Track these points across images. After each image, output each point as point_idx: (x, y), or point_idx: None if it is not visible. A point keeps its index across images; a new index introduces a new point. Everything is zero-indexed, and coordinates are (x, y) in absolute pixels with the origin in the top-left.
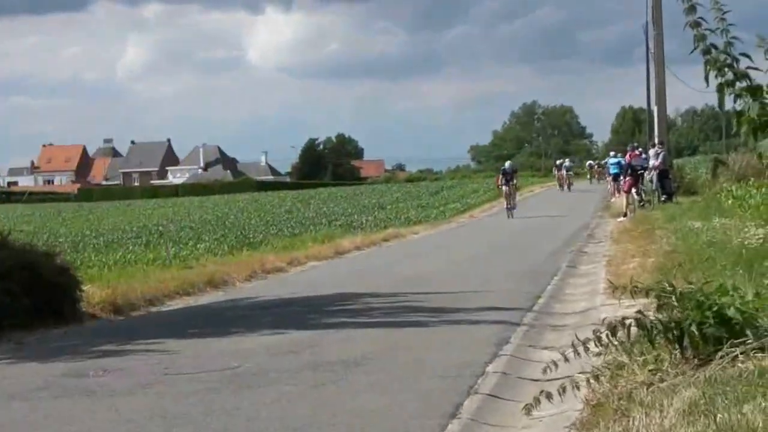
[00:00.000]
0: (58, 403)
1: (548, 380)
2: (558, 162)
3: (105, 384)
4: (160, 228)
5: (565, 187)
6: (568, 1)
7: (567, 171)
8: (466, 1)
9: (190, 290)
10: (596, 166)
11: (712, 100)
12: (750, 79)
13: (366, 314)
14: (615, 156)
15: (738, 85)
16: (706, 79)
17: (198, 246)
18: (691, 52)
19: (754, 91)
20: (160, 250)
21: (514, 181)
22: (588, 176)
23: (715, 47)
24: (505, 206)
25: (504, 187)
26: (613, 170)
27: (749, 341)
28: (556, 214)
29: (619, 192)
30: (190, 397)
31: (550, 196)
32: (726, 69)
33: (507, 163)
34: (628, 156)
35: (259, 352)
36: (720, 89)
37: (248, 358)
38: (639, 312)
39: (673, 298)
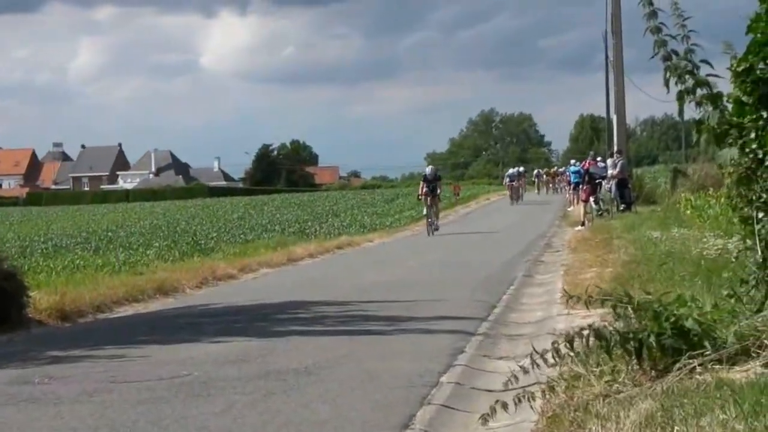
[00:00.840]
0: (2, 410)
1: (504, 390)
2: (509, 172)
3: (50, 391)
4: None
5: (515, 200)
6: (527, 8)
7: (511, 180)
8: (425, 6)
9: (139, 297)
10: (545, 175)
11: (672, 109)
12: (710, 87)
13: (318, 323)
14: (575, 164)
15: (698, 92)
16: (666, 85)
17: (148, 252)
18: (651, 57)
19: (715, 99)
20: (109, 256)
21: (438, 191)
22: (536, 187)
23: (676, 54)
24: (426, 221)
25: (425, 197)
26: (573, 179)
27: (707, 353)
28: (501, 229)
29: (577, 201)
30: (138, 405)
31: (502, 206)
32: (686, 76)
33: (428, 168)
34: (586, 163)
35: (208, 360)
36: (680, 97)
37: (198, 367)
38: (597, 322)
39: (631, 309)
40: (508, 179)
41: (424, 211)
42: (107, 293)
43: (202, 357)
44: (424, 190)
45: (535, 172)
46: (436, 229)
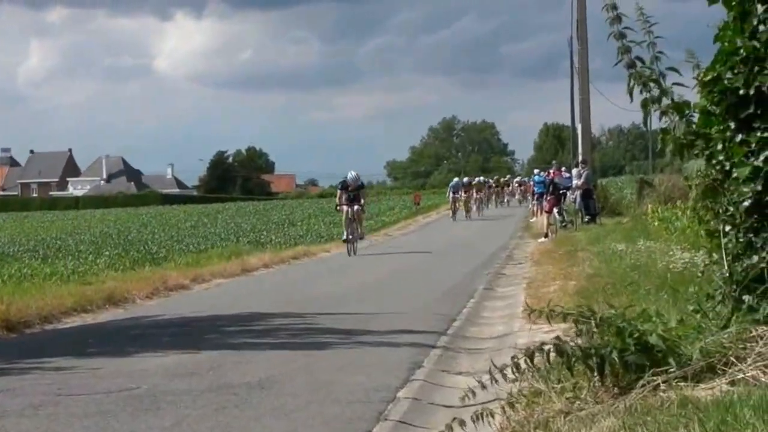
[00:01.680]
0: None
1: (462, 407)
2: (453, 183)
3: None
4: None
5: (465, 214)
6: (491, 13)
7: (455, 192)
8: (386, 10)
9: (88, 307)
10: (494, 185)
11: (639, 118)
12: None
13: (272, 335)
14: (539, 174)
15: (664, 101)
16: (630, 93)
17: (98, 261)
18: (615, 64)
19: (681, 108)
20: (57, 265)
21: (362, 201)
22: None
23: (641, 61)
24: (345, 235)
25: (345, 208)
26: (537, 189)
27: (672, 370)
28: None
29: (540, 212)
30: (85, 419)
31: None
32: (651, 84)
33: (350, 174)
34: (551, 174)
35: (158, 373)
36: (644, 105)
37: (147, 380)
38: (558, 337)
39: (594, 324)
40: (451, 191)
41: (344, 233)
42: (55, 303)
43: (152, 369)
44: (343, 199)
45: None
46: (355, 241)
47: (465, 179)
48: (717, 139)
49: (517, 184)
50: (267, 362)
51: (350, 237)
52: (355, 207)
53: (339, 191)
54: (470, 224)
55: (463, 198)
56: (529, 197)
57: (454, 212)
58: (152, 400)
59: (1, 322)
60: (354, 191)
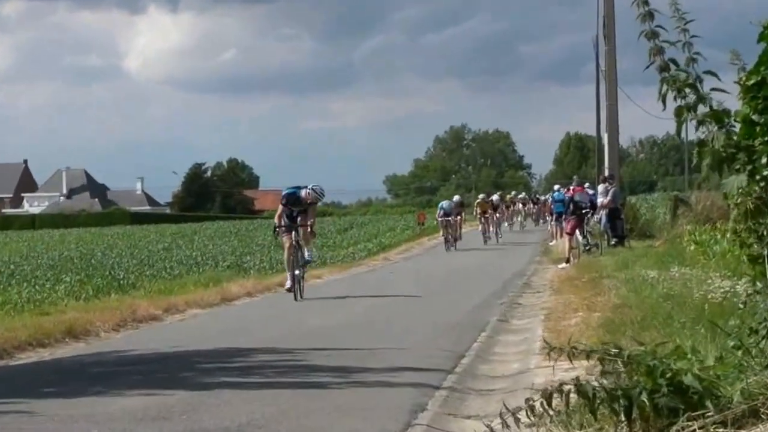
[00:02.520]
0: None
1: None
2: (444, 204)
3: None
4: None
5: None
6: (506, 10)
7: (446, 214)
8: (387, 6)
9: (45, 341)
10: (493, 204)
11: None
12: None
13: (256, 373)
14: (559, 191)
15: (701, 109)
16: (663, 100)
17: (56, 288)
18: (646, 68)
19: (720, 116)
20: (10, 293)
21: (310, 221)
22: (478, 220)
23: (675, 63)
24: (287, 274)
25: (284, 237)
26: (557, 208)
27: (709, 414)
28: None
29: (561, 234)
30: None
31: (474, 239)
32: (687, 89)
33: (308, 187)
34: (571, 190)
35: (124, 417)
36: (679, 113)
37: (111, 425)
38: (579, 377)
39: (620, 362)
40: (441, 212)
41: (285, 256)
42: (7, 336)
43: (117, 413)
44: (283, 215)
45: (480, 198)
46: (299, 277)
47: (455, 198)
48: (762, 151)
49: (521, 204)
50: (249, 405)
51: (291, 273)
52: (303, 228)
53: (280, 206)
54: (482, 248)
55: (453, 222)
56: (548, 217)
57: (447, 240)
58: None
59: None
60: (304, 206)
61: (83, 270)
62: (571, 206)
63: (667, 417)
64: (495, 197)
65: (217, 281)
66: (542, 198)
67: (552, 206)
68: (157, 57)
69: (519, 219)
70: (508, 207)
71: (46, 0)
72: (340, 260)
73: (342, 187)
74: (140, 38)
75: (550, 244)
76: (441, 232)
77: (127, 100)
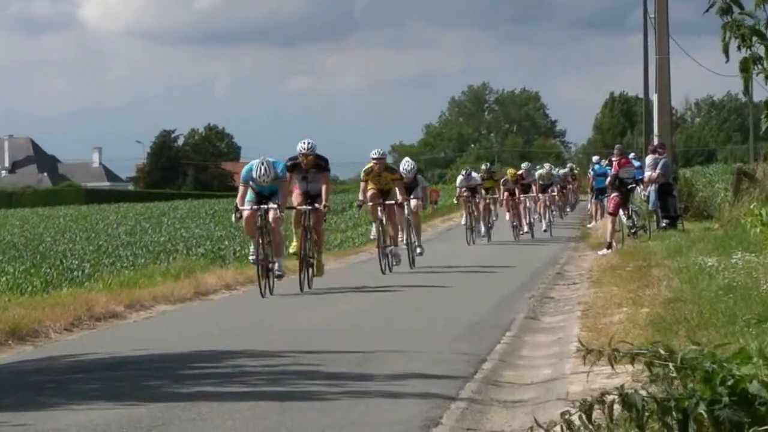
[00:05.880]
0: None
1: None
2: (463, 176)
3: None
4: None
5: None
6: None
7: (470, 188)
8: None
9: None
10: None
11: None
12: None
13: (237, 381)
14: (599, 163)
15: None
16: (725, 51)
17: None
18: (705, 11)
19: None
20: None
21: (276, 203)
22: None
23: (740, 5)
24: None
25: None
26: (597, 183)
27: None
28: None
29: (602, 214)
30: None
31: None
32: (754, 38)
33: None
34: (615, 165)
35: None
36: (745, 67)
37: None
38: (626, 385)
39: (673, 367)
40: (463, 187)
41: (251, 251)
42: None
43: (73, 429)
44: (246, 199)
45: (464, 174)
46: (278, 276)
47: (483, 168)
48: None
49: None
50: (229, 419)
51: (259, 257)
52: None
53: (241, 186)
54: (504, 230)
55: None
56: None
57: (471, 227)
58: None
59: None
60: (274, 182)
61: (29, 258)
62: (616, 182)
63: (729, 431)
64: (545, 169)
65: (190, 272)
66: (561, 172)
67: (592, 181)
68: (119, 4)
69: (538, 208)
70: (513, 191)
71: None
72: (337, 246)
73: (338, 159)
74: None
75: (589, 226)
76: (463, 217)
77: (84, 55)
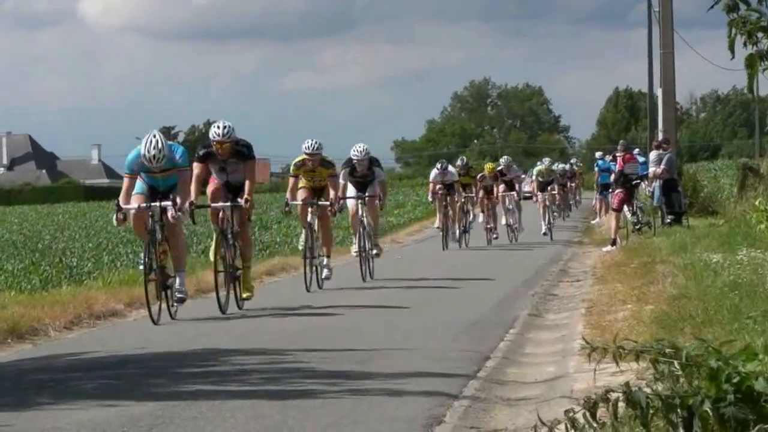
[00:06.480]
0: None
1: None
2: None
3: None
4: None
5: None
6: None
7: (445, 185)
8: None
9: None
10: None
11: (742, 81)
12: None
13: (238, 380)
14: (603, 159)
15: None
16: (731, 47)
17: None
18: (710, 8)
19: None
20: None
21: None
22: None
23: (746, 1)
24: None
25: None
26: (602, 179)
27: None
28: None
29: (606, 210)
30: None
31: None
32: (760, 34)
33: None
34: (620, 161)
35: None
36: (750, 63)
37: None
38: (630, 383)
39: (678, 365)
40: (438, 182)
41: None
42: None
43: (73, 429)
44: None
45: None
46: (179, 300)
47: (458, 163)
48: None
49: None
50: (230, 418)
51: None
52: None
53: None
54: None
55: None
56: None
57: (446, 230)
58: None
59: None
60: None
61: (28, 256)
62: (621, 178)
63: (735, 430)
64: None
65: (191, 269)
66: (561, 167)
67: (598, 177)
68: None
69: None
70: (489, 189)
71: None
72: (338, 243)
73: (339, 155)
74: None
75: (593, 222)
76: (437, 218)
77: (82, 51)
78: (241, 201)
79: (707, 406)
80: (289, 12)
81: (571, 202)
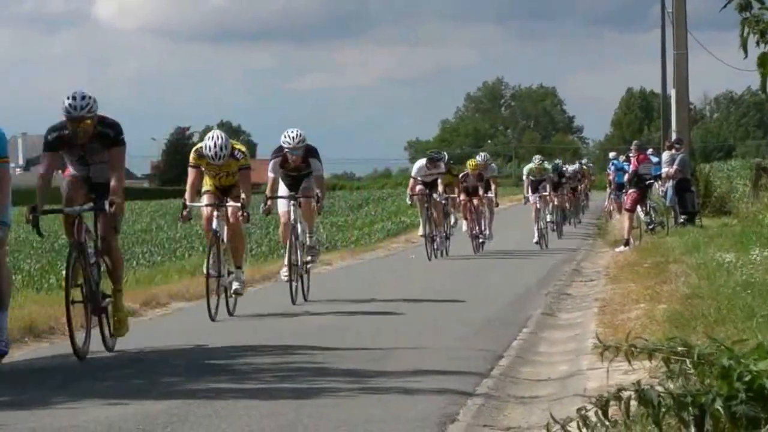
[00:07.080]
0: None
1: None
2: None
3: None
4: None
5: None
6: None
7: (425, 184)
8: None
9: None
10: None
11: (756, 81)
12: None
13: (252, 378)
14: (617, 159)
15: None
16: (744, 46)
17: (13, 277)
18: (723, 7)
19: None
20: None
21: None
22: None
23: (760, 1)
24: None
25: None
26: (618, 178)
27: None
28: None
29: (620, 210)
30: None
31: (513, 214)
32: None
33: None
34: (633, 161)
35: (95, 430)
36: (762, 62)
37: None
38: (642, 381)
39: (690, 363)
40: (418, 178)
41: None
42: None
43: (90, 426)
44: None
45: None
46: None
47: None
48: None
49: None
50: (245, 416)
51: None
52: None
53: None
54: (519, 222)
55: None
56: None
57: (432, 236)
58: None
59: None
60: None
61: (45, 256)
62: (634, 178)
63: (746, 428)
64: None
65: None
66: (571, 168)
67: (613, 177)
68: (134, 0)
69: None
70: (471, 193)
71: None
72: (353, 243)
73: (354, 155)
74: None
75: (606, 222)
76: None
77: (98, 52)
78: (106, 204)
79: (719, 405)
80: (305, 13)
81: (582, 204)
